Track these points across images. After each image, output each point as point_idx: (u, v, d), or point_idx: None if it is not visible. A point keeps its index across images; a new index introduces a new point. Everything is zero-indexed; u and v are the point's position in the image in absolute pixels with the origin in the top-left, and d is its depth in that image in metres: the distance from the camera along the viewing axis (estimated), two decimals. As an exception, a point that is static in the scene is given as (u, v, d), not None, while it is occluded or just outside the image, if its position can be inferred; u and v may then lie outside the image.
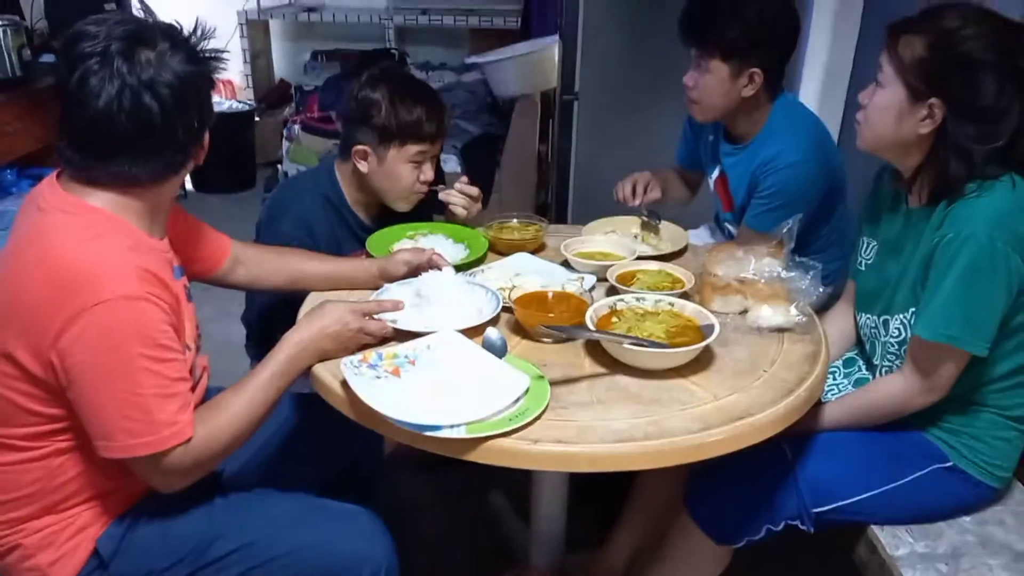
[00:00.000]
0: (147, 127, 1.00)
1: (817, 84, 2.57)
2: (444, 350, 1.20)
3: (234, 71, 4.62)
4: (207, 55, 1.07)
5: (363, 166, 1.64)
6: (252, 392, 1.12)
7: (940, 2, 1.22)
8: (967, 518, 1.35)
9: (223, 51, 1.10)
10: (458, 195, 1.72)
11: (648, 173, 1.84)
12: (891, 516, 1.32)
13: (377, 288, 1.41)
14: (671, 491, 1.45)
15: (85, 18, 1.00)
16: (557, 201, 2.96)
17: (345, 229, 1.70)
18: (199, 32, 1.07)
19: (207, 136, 1.11)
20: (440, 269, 1.42)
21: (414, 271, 1.44)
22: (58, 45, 1.02)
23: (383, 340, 1.24)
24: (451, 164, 3.68)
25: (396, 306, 1.29)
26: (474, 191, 1.74)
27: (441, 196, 1.72)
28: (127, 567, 1.12)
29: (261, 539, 1.16)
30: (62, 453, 1.07)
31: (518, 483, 1.62)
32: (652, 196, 1.80)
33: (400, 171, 1.63)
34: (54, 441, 1.06)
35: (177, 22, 1.07)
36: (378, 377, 1.12)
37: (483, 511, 1.97)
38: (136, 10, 1.02)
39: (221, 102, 4.42)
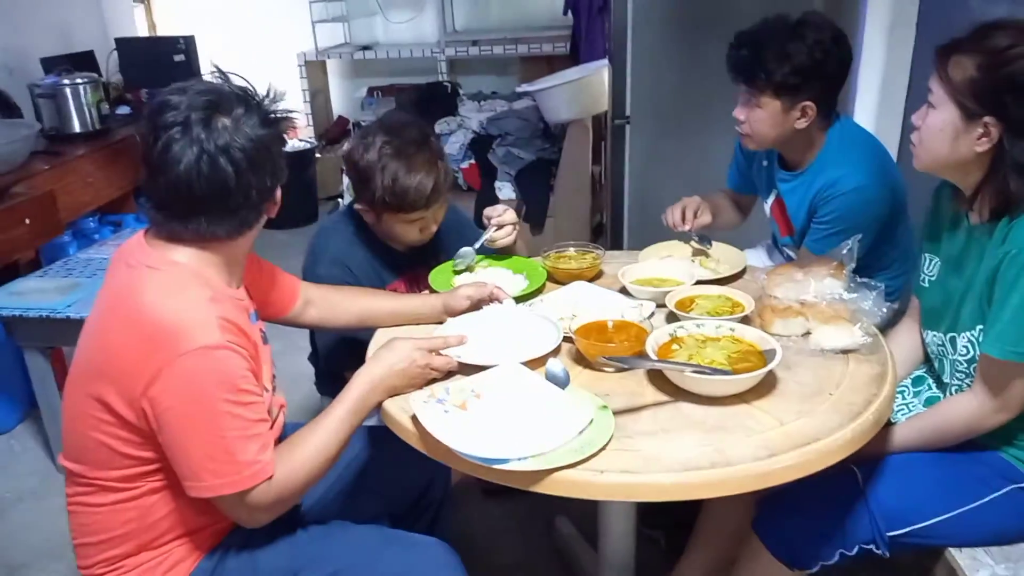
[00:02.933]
0: (223, 189, 1.07)
1: (873, 103, 2.53)
2: (508, 383, 1.23)
3: (296, 110, 4.79)
4: (279, 115, 1.14)
5: (368, 218, 1.68)
6: (327, 429, 1.17)
7: (991, 20, 1.21)
8: (1051, 540, 1.31)
9: (293, 111, 1.17)
10: (499, 231, 1.74)
11: (698, 198, 1.84)
12: (969, 538, 1.29)
13: (441, 323, 1.46)
14: (740, 516, 1.45)
15: (169, 86, 1.08)
16: (612, 225, 2.98)
17: (379, 261, 1.74)
18: (271, 95, 1.14)
19: (279, 192, 1.18)
20: (501, 302, 1.45)
21: (476, 305, 1.48)
22: (145, 113, 1.10)
23: (449, 374, 1.29)
24: (506, 191, 3.74)
25: (460, 340, 1.33)
26: (510, 217, 1.74)
27: (486, 243, 1.73)
28: None
29: (343, 569, 1.21)
30: (154, 492, 1.14)
31: (586, 509, 1.63)
32: (702, 221, 1.80)
33: (400, 231, 1.66)
34: (147, 482, 1.13)
35: (251, 85, 1.14)
36: (446, 411, 1.16)
37: (551, 538, 1.98)
38: (211, 74, 1.09)
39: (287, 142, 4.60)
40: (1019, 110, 1.15)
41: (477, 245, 1.72)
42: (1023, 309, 1.15)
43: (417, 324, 1.50)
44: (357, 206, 1.67)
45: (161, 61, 3.95)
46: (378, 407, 1.24)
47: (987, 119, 1.18)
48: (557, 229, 3.58)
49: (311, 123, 4.82)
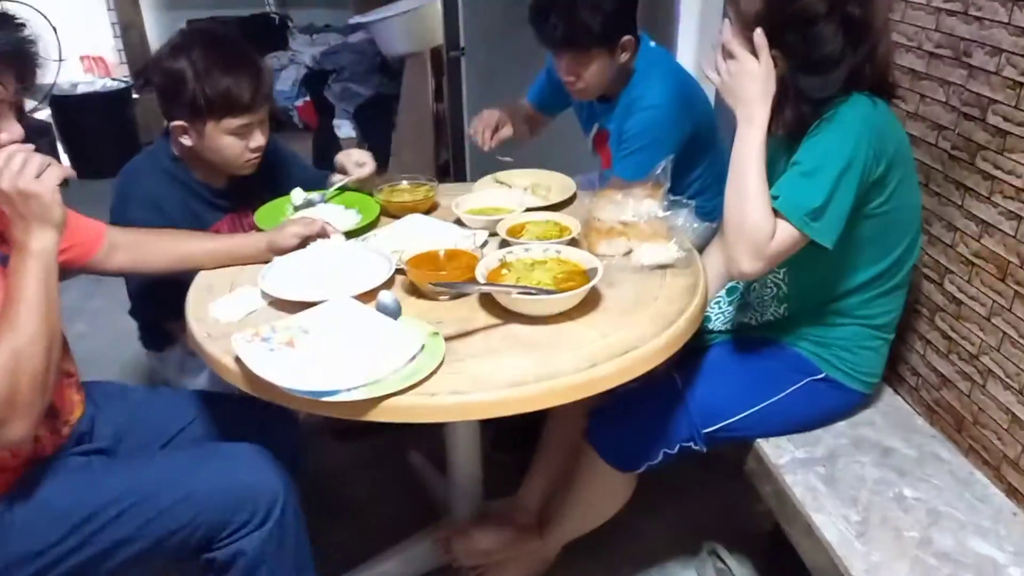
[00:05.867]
0: None
1: (694, 28, 2.64)
2: (338, 317, 1.21)
3: (105, 47, 4.36)
4: None
5: (186, 140, 1.54)
6: (25, 306, 1.04)
7: None
8: (842, 423, 1.48)
9: None
10: (360, 163, 1.71)
11: (497, 112, 1.87)
12: (773, 429, 1.43)
13: (266, 262, 1.40)
14: (576, 430, 1.52)
15: None
16: (455, 161, 2.96)
17: (199, 201, 1.62)
18: None
19: None
20: (329, 238, 1.42)
21: (304, 242, 1.43)
22: None
23: (275, 314, 1.24)
24: (345, 129, 3.62)
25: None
26: (367, 169, 1.72)
27: (347, 182, 1.69)
28: (12, 550, 1.11)
29: (149, 495, 1.16)
30: None
31: (435, 441, 1.67)
32: (502, 135, 1.85)
33: (223, 143, 1.52)
34: None
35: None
36: (272, 350, 1.13)
37: (403, 473, 2.01)
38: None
39: (94, 81, 4.19)
40: (801, 46, 1.22)
41: (330, 193, 1.67)
42: (804, 172, 1.23)
43: (241, 264, 1.43)
44: (174, 124, 1.52)
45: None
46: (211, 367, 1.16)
47: (773, 53, 1.24)
48: (401, 168, 3.51)
49: (124, 60, 4.40)
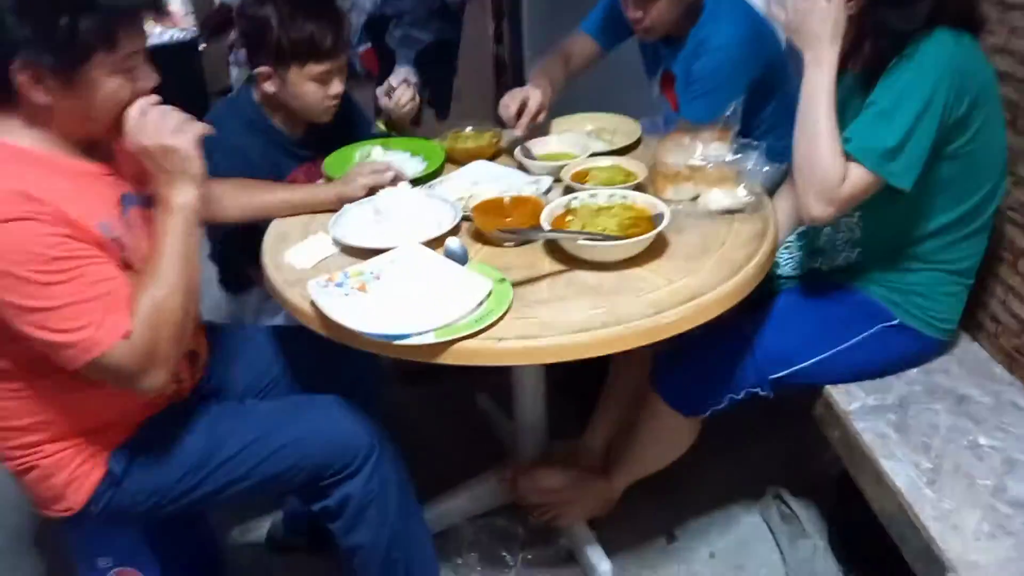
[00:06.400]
0: None
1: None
2: (407, 263, 1.24)
3: (172, -2, 4.43)
4: None
5: (269, 87, 1.58)
6: (167, 255, 1.09)
7: None
8: (915, 370, 1.44)
9: None
10: (400, 102, 1.72)
11: (529, 88, 1.70)
12: (842, 375, 1.41)
13: (337, 210, 1.43)
14: (641, 375, 1.53)
15: None
16: (517, 105, 2.94)
17: (278, 149, 1.67)
18: None
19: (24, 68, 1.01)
20: (397, 187, 1.44)
21: (373, 191, 1.46)
22: None
23: (347, 260, 1.28)
24: (406, 75, 3.61)
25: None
26: (408, 92, 1.75)
27: (396, 109, 1.71)
28: (140, 484, 1.21)
29: (260, 437, 1.25)
30: (46, 381, 1.11)
31: (501, 386, 1.70)
32: (538, 121, 1.69)
33: (305, 90, 1.57)
34: (34, 375, 1.11)
35: None
36: (346, 295, 1.17)
37: (470, 415, 2.06)
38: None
39: (162, 33, 4.27)
40: None
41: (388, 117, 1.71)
42: (879, 112, 1.19)
43: (312, 213, 1.47)
44: (258, 71, 1.57)
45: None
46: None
47: None
48: (463, 113, 3.50)
49: (191, 10, 4.46)
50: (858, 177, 1.20)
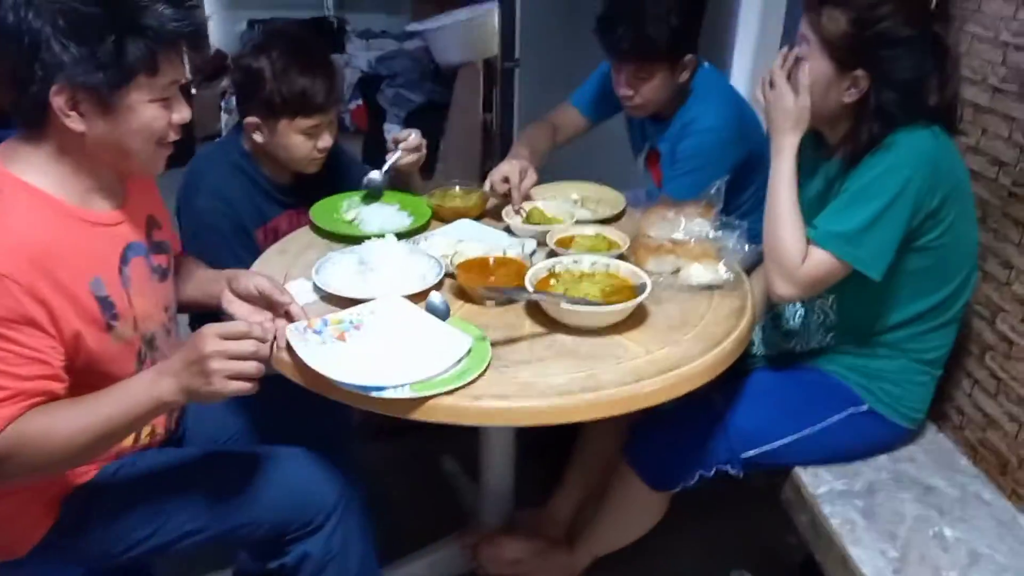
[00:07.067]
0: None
1: (748, 57, 2.64)
2: (388, 315, 1.23)
3: (168, 41, 4.48)
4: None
5: (257, 137, 1.59)
6: (88, 418, 1.00)
7: None
8: (883, 456, 1.46)
9: None
10: (406, 152, 1.71)
11: (519, 162, 1.69)
12: (812, 457, 1.41)
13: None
14: (612, 446, 1.53)
15: None
16: (501, 169, 2.99)
17: (262, 195, 1.66)
18: None
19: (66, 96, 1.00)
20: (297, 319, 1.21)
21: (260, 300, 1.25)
22: None
23: (329, 309, 1.26)
24: (395, 133, 3.68)
25: (264, 330, 1.05)
26: (415, 140, 1.72)
27: (396, 164, 1.70)
28: (92, 532, 1.15)
29: (222, 487, 1.20)
30: None
31: (469, 448, 1.68)
32: (527, 185, 1.68)
33: (294, 143, 1.57)
34: None
35: None
36: (323, 343, 1.15)
37: (435, 476, 2.02)
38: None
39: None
40: (888, 65, 1.23)
41: (385, 168, 1.69)
42: (848, 200, 1.24)
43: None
44: (248, 120, 1.57)
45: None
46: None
47: (857, 72, 1.25)
48: (448, 175, 3.54)
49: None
50: (819, 259, 1.26)
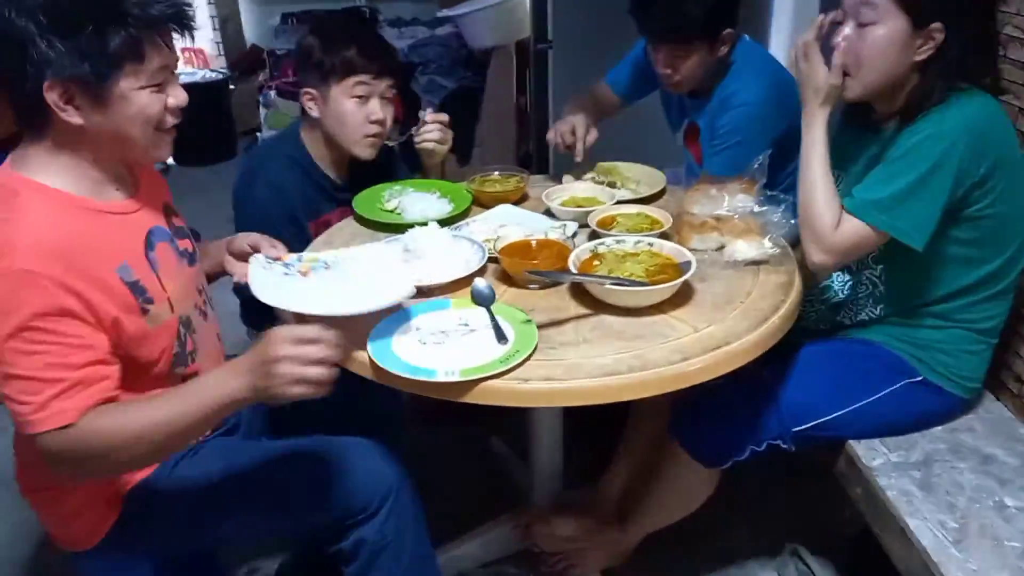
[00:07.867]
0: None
1: (786, 29, 2.58)
2: (361, 260, 1.32)
3: (204, 39, 4.56)
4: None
5: (314, 111, 1.64)
6: (165, 414, 1.02)
7: None
8: (939, 428, 1.43)
9: None
10: (431, 128, 1.73)
11: (582, 116, 1.78)
12: (865, 430, 1.40)
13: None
14: (660, 424, 1.52)
15: None
16: (539, 152, 2.98)
17: (316, 190, 1.71)
18: None
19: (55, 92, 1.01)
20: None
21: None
22: None
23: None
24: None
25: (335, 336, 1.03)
26: (444, 117, 1.75)
27: (417, 140, 1.73)
28: (155, 522, 1.20)
29: (280, 475, 1.24)
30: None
31: (515, 430, 1.69)
32: (591, 140, 1.77)
33: (346, 108, 1.61)
34: None
35: None
36: (287, 275, 1.23)
37: (484, 459, 2.05)
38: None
39: (194, 72, 4.39)
40: (966, 14, 1.19)
41: (404, 137, 1.74)
42: (886, 168, 1.23)
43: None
44: (304, 92, 1.64)
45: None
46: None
47: (934, 25, 1.20)
48: (484, 160, 3.55)
49: (222, 52, 4.59)
50: (852, 227, 1.25)
